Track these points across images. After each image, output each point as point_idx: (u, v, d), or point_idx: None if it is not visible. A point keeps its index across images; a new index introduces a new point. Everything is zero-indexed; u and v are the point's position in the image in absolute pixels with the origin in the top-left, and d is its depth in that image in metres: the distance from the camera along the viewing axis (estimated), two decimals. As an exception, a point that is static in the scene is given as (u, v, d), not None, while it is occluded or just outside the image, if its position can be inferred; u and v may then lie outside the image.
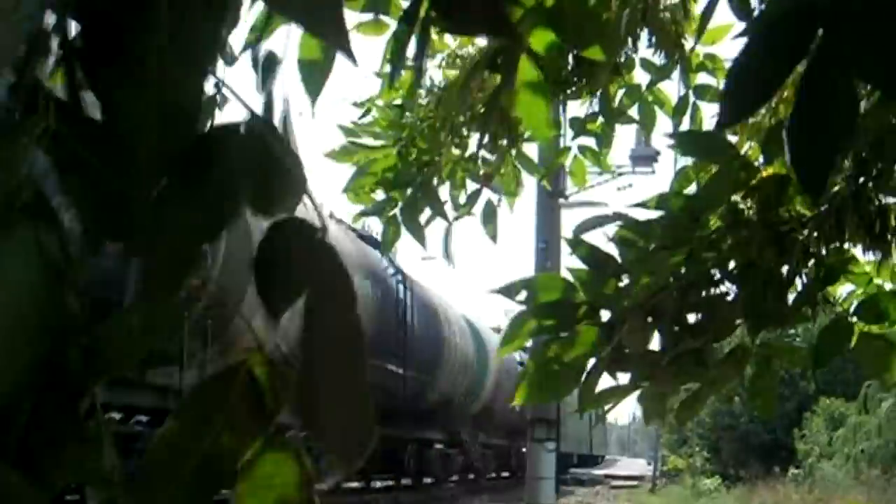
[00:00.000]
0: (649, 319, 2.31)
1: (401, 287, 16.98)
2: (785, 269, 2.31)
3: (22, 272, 0.81)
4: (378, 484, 19.72)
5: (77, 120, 0.90)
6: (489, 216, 3.40)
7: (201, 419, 0.88)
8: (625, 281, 2.36)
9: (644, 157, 14.91)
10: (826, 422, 24.59)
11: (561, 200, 11.55)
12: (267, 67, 1.13)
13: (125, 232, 0.93)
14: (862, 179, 2.14)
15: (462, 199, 3.40)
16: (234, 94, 0.97)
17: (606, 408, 2.61)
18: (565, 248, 2.55)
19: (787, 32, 1.16)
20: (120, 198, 0.91)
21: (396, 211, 3.29)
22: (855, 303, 2.51)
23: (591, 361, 2.35)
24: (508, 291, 2.43)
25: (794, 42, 1.15)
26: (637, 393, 2.48)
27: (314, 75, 1.86)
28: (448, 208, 3.36)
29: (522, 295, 2.43)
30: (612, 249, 2.38)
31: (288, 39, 1.92)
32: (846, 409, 23.68)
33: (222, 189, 0.91)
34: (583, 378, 2.32)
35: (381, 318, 15.21)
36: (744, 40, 1.21)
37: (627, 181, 16.25)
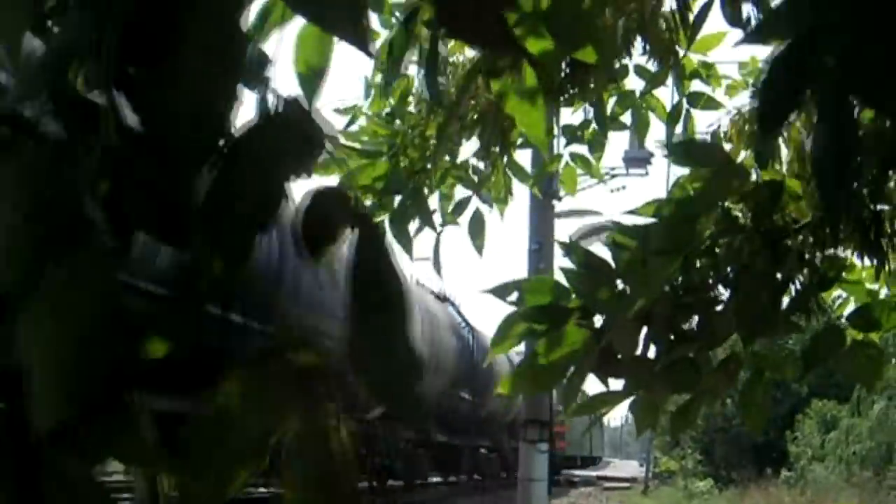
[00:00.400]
0: (644, 328, 2.31)
1: (470, 336, 23.06)
2: (779, 275, 2.31)
3: (98, 285, 0.86)
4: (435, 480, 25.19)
5: (120, 128, 0.96)
6: (477, 228, 3.38)
7: (240, 397, 0.94)
8: (619, 286, 2.36)
9: (638, 159, 14.93)
10: (818, 424, 24.62)
11: (557, 209, 11.53)
12: (259, 64, 1.17)
13: (174, 228, 0.98)
14: (856, 186, 2.14)
15: (451, 208, 3.39)
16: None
17: (600, 412, 2.60)
18: (558, 250, 2.55)
19: (804, 51, 1.25)
20: (167, 196, 0.96)
21: (385, 218, 3.27)
22: (848, 309, 2.52)
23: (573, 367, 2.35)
24: (501, 292, 2.43)
25: (810, 60, 1.25)
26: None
27: (311, 79, 1.87)
28: (437, 216, 3.35)
29: (514, 296, 2.43)
30: (606, 253, 2.38)
31: (280, 42, 1.92)
32: (839, 412, 23.72)
33: (275, 170, 0.99)
34: (566, 378, 2.32)
35: (458, 362, 20.78)
36: (740, 47, 1.31)
37: (621, 183, 16.27)
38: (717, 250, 2.33)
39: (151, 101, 0.93)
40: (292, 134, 1.00)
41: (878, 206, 2.21)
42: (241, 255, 0.97)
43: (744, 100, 3.06)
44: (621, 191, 15.59)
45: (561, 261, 2.47)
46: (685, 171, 2.54)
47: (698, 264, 2.31)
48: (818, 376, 23.92)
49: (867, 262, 2.35)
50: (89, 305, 0.84)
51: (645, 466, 36.21)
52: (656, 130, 3.36)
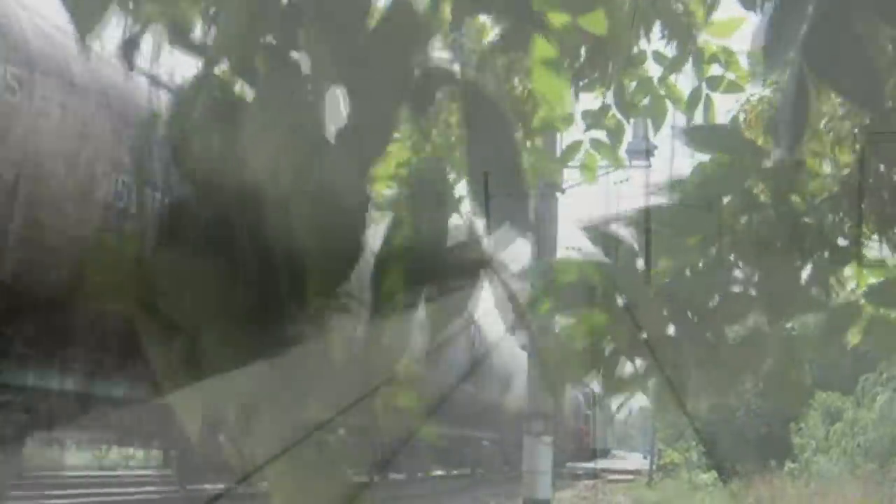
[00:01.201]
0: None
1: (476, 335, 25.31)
2: (799, 252, 2.35)
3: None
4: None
5: None
6: None
7: None
8: (640, 265, 2.40)
9: (640, 152, 14.93)
10: (822, 416, 24.59)
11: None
12: None
13: None
14: (878, 165, 2.19)
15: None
16: None
17: (622, 400, 2.65)
18: (561, 241, 2.61)
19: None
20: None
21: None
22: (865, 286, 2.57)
23: (610, 347, 2.39)
24: (524, 276, 2.47)
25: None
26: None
27: None
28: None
29: (537, 280, 2.47)
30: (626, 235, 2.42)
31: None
32: (843, 404, 23.71)
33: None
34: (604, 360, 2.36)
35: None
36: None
37: (624, 174, 16.30)
38: (737, 229, 2.37)
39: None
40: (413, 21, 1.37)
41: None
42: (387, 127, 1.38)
43: (754, 88, 3.09)
44: (624, 182, 15.61)
45: (564, 252, 2.52)
46: (688, 163, 2.59)
47: (720, 241, 2.36)
48: (821, 368, 23.88)
49: (884, 241, 2.40)
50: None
51: (649, 459, 36.17)
52: (671, 120, 3.39)
